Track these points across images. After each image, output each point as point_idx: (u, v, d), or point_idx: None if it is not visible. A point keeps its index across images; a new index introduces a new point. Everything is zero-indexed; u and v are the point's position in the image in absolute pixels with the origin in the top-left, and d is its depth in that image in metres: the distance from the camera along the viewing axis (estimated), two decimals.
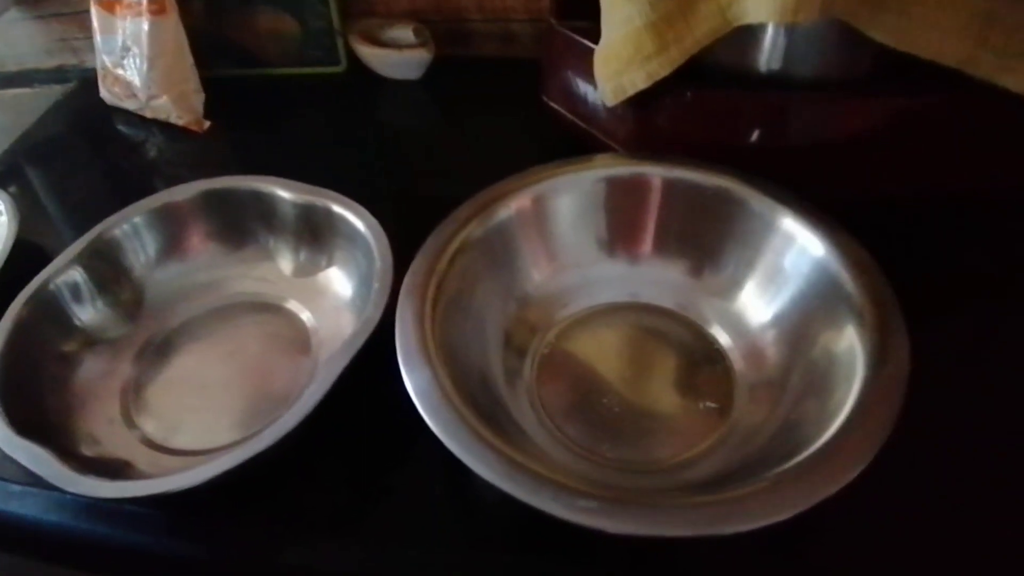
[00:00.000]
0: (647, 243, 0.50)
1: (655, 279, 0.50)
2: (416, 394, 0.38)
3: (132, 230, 0.54)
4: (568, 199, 0.49)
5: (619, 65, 0.53)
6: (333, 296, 0.53)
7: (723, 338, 0.47)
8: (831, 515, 0.32)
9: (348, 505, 0.43)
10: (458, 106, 0.74)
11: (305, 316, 0.54)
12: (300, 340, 0.52)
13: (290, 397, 0.48)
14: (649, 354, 0.48)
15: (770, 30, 0.50)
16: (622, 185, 0.49)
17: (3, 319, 0.48)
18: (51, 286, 0.51)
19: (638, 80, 0.52)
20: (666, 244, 0.49)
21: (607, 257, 0.50)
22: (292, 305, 0.54)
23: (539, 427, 0.44)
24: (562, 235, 0.50)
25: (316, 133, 0.73)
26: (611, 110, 0.56)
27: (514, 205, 0.48)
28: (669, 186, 0.48)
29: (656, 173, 0.48)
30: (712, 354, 0.47)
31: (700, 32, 0.50)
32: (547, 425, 0.44)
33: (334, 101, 0.77)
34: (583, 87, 0.59)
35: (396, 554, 0.40)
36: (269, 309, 0.54)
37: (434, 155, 0.67)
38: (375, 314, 0.44)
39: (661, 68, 0.51)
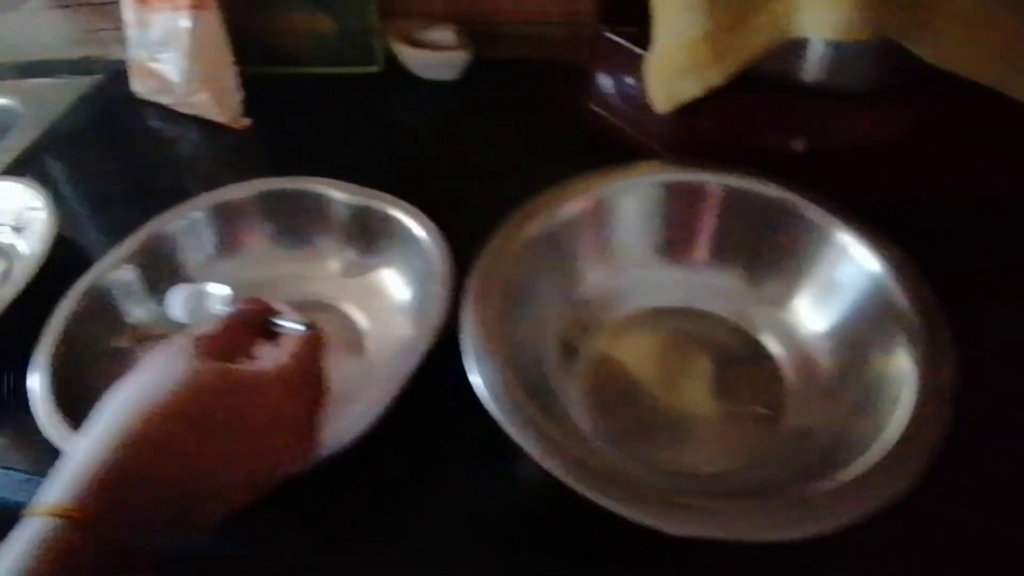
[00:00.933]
0: (703, 250, 0.50)
1: (709, 285, 0.50)
2: (489, 396, 0.39)
3: (189, 227, 0.54)
4: (627, 203, 0.50)
5: (673, 73, 0.53)
6: (386, 297, 0.53)
7: (774, 347, 0.48)
8: (874, 528, 0.33)
9: (393, 505, 0.43)
10: (494, 107, 0.74)
11: (357, 316, 0.54)
12: (353, 340, 0.52)
13: (346, 398, 0.48)
14: (700, 359, 0.49)
15: (817, 42, 0.51)
16: (681, 191, 0.50)
17: (54, 315, 0.48)
18: (103, 283, 0.51)
19: (693, 88, 0.53)
20: (722, 251, 0.50)
21: (662, 261, 0.51)
22: (344, 305, 0.54)
23: (592, 429, 0.45)
24: (619, 238, 0.51)
25: (353, 133, 0.73)
26: (654, 115, 0.57)
27: (576, 207, 0.49)
28: (728, 195, 0.49)
29: (716, 181, 0.49)
30: (763, 362, 0.48)
31: (756, 43, 0.51)
32: (599, 427, 0.45)
33: (370, 101, 0.77)
34: (627, 91, 0.60)
35: (438, 553, 0.41)
36: (321, 309, 0.55)
37: (473, 156, 0.68)
38: (439, 318, 0.45)
39: (717, 77, 0.52)
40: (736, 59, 0.52)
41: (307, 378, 0.36)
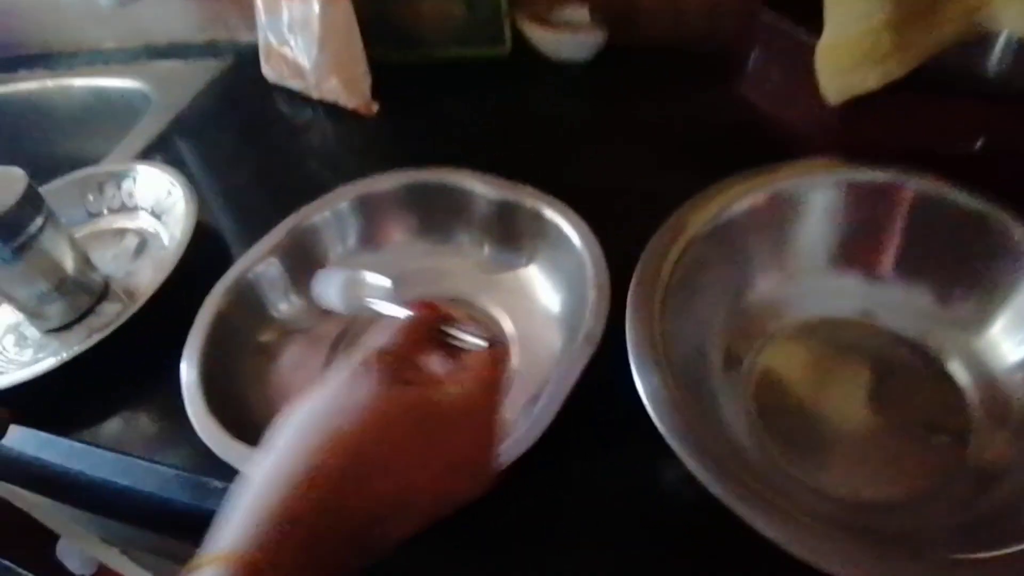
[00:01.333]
0: (887, 259, 0.46)
1: (891, 300, 0.46)
2: (659, 420, 0.36)
3: (333, 218, 0.53)
4: (804, 202, 0.46)
5: (850, 63, 0.49)
6: (530, 297, 0.51)
7: (961, 374, 0.44)
8: None
9: (547, 512, 0.41)
10: (630, 92, 0.70)
11: (498, 315, 0.52)
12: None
13: None
14: (873, 377, 0.45)
15: (1007, 39, 0.46)
16: (866, 193, 0.45)
17: (202, 310, 0.48)
18: (250, 276, 0.50)
19: (870, 80, 0.48)
20: (908, 263, 0.46)
21: (838, 269, 0.47)
22: (484, 303, 0.53)
23: (753, 442, 0.42)
24: (793, 240, 0.47)
25: (484, 118, 0.70)
26: (821, 107, 0.52)
27: (746, 204, 0.45)
28: (920, 200, 0.44)
29: (907, 184, 0.44)
30: (945, 389, 0.43)
31: (944, 35, 0.47)
32: (761, 440, 0.42)
33: (499, 84, 0.74)
34: (789, 81, 0.56)
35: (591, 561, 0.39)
36: (460, 305, 0.53)
37: (616, 146, 0.64)
38: (597, 328, 0.42)
39: (898, 69, 0.48)
40: (920, 51, 0.47)
41: (492, 408, 0.33)
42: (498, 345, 0.34)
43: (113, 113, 0.92)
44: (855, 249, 0.46)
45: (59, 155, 0.99)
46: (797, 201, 0.46)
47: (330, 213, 0.53)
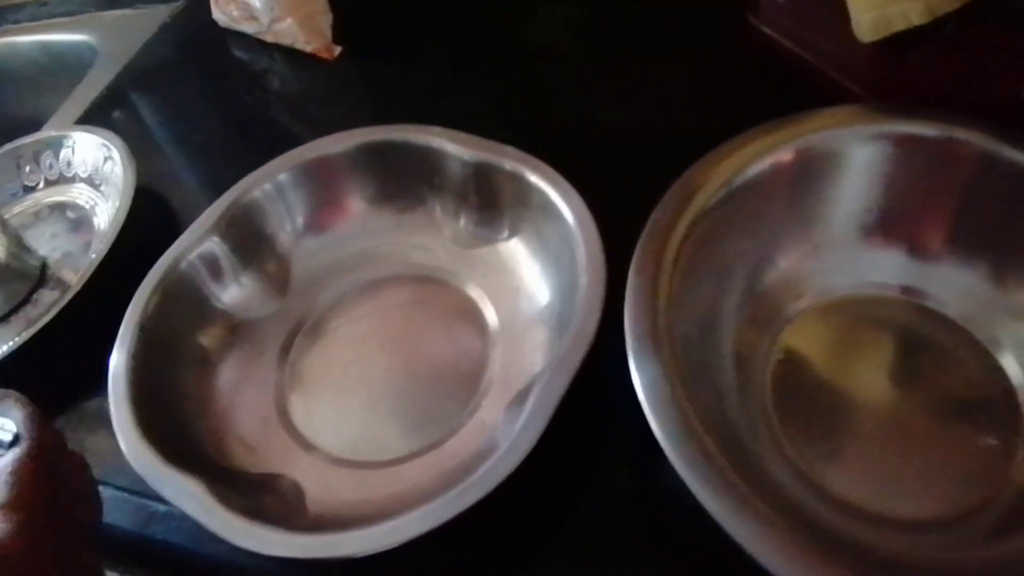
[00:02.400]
0: (936, 230, 0.38)
1: (938, 277, 0.38)
2: (657, 425, 0.31)
3: (275, 190, 0.46)
4: (835, 159, 0.38)
5: None
6: (512, 274, 0.44)
7: (1014, 370, 0.36)
8: None
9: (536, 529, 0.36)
10: (634, 27, 0.60)
11: (475, 295, 0.45)
12: (473, 324, 0.44)
13: (466, 399, 0.40)
14: (913, 369, 0.38)
15: None
16: (915, 148, 0.37)
17: (128, 312, 0.41)
18: (183, 264, 0.43)
19: (912, 14, 0.41)
20: (962, 235, 0.38)
21: (875, 240, 0.39)
22: (459, 282, 0.46)
23: (780, 461, 0.36)
24: (820, 206, 0.39)
25: (463, 57, 0.62)
26: (853, 44, 0.44)
27: (768, 161, 0.37)
28: (982, 159, 0.36)
29: (968, 141, 0.36)
30: (996, 384, 0.36)
31: None
32: (788, 455, 0.35)
33: (480, 16, 0.65)
34: (816, 13, 0.47)
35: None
36: (434, 284, 0.46)
37: (612, 88, 0.55)
38: (590, 321, 0.35)
39: (948, 1, 0.40)
40: None
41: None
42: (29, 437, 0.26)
43: (64, 68, 0.85)
44: (896, 217, 0.38)
45: (15, 116, 0.92)
46: (829, 158, 0.38)
47: (272, 184, 0.45)
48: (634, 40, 0.58)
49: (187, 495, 0.34)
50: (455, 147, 0.44)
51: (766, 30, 0.51)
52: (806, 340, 0.39)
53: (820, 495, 0.34)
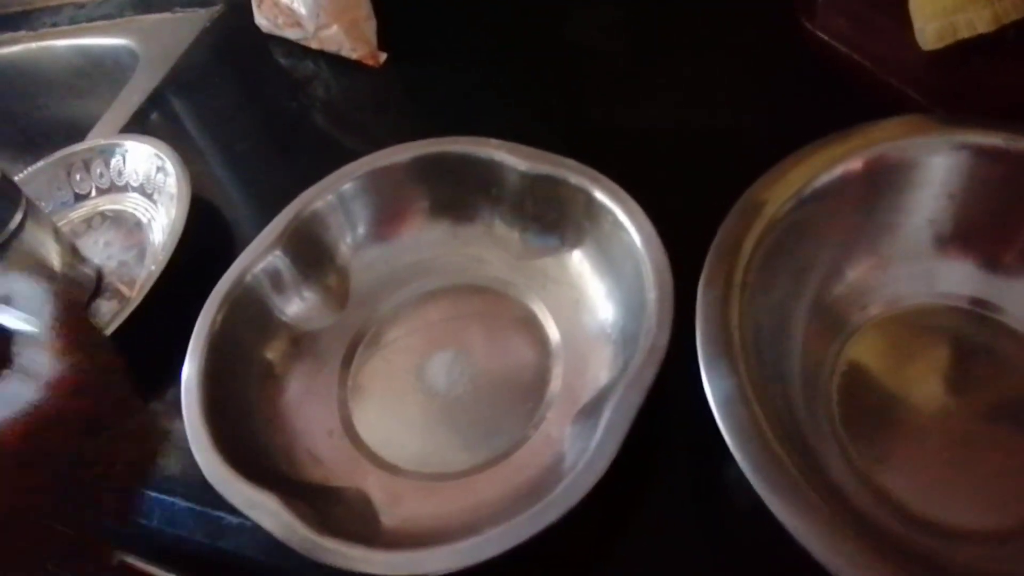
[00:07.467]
0: (1011, 242, 0.38)
1: (1010, 290, 0.38)
2: (735, 446, 0.31)
3: (337, 202, 0.46)
4: (915, 169, 0.38)
5: (955, 0, 0.40)
6: (569, 284, 0.44)
7: None
8: None
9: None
10: (682, 30, 0.60)
11: (536, 309, 0.45)
12: (533, 336, 0.44)
13: (530, 411, 0.41)
14: (983, 378, 0.37)
15: None
16: (998, 160, 0.37)
17: (197, 329, 0.42)
18: (248, 278, 0.44)
19: (979, 22, 0.40)
20: None
21: (944, 250, 0.39)
22: (518, 294, 0.46)
23: (847, 471, 0.35)
24: (892, 217, 0.39)
25: (507, 61, 0.61)
26: (916, 52, 0.44)
27: (839, 171, 0.37)
28: None
29: None
30: None
31: None
32: (856, 466, 0.35)
33: (524, 19, 0.64)
34: (874, 19, 0.47)
35: None
36: (492, 295, 0.46)
37: (660, 91, 0.55)
38: (660, 340, 0.35)
39: (1015, 9, 0.39)
40: None
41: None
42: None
43: (104, 73, 0.86)
44: (973, 230, 0.38)
45: (52, 121, 0.93)
46: (902, 169, 0.37)
47: (334, 196, 0.45)
48: (683, 44, 0.58)
49: (264, 510, 0.34)
50: (514, 159, 0.44)
51: (821, 35, 0.50)
52: (872, 351, 0.39)
53: (891, 507, 0.34)
